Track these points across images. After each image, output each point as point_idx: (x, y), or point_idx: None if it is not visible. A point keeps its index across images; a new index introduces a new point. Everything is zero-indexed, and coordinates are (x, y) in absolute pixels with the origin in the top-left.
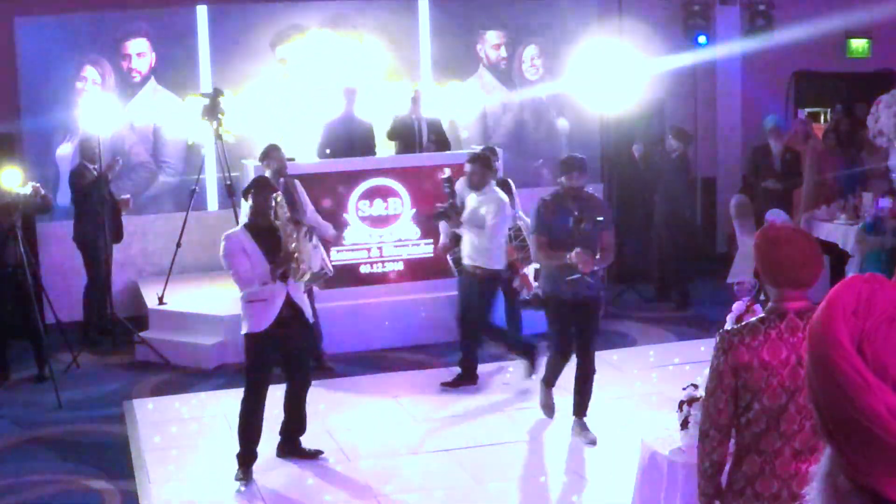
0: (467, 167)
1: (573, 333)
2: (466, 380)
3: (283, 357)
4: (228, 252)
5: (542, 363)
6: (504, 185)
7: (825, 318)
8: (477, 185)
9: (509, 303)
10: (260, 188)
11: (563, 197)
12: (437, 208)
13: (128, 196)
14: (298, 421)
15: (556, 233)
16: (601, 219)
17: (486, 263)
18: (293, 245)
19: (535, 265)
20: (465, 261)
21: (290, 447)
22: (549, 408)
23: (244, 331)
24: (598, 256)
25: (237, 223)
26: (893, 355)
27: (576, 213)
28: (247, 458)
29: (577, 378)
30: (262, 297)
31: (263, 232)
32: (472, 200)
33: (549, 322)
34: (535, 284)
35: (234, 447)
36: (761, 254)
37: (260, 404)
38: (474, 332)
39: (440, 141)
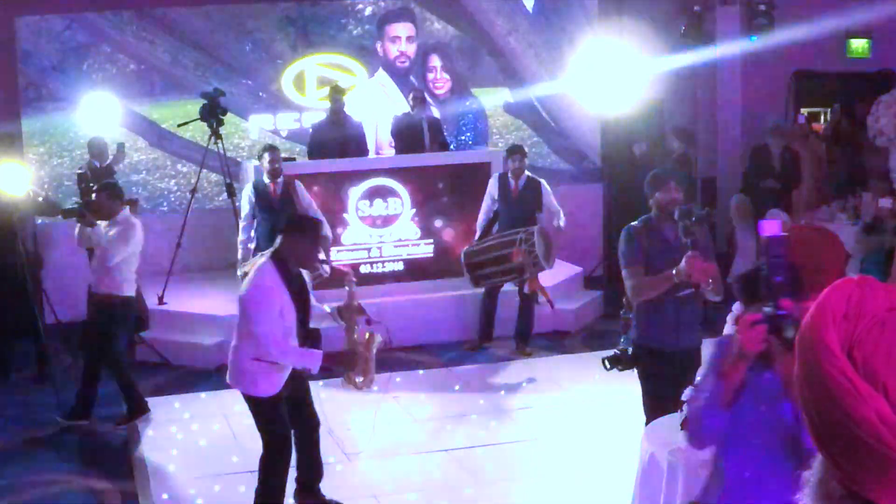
0: (94, 196)
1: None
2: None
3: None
4: (261, 299)
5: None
6: (534, 184)
7: (815, 323)
8: (104, 215)
9: (521, 303)
10: (312, 228)
11: (658, 219)
12: (72, 205)
13: (136, 197)
14: (317, 466)
15: (655, 261)
16: (706, 212)
17: (99, 286)
18: (361, 347)
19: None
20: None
21: (310, 495)
22: None
23: (255, 393)
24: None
25: (237, 223)
26: (884, 360)
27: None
28: None
29: None
30: (274, 361)
31: (293, 279)
32: (102, 225)
33: (644, 383)
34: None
35: (233, 447)
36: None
37: (290, 463)
38: (101, 359)
39: (441, 142)
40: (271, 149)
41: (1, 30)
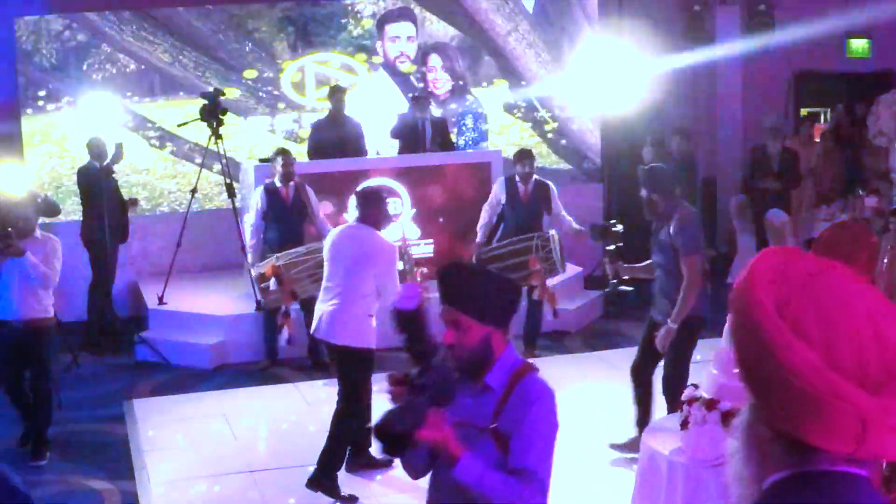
0: (21, 213)
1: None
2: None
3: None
4: (394, 254)
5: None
6: (543, 187)
7: (748, 285)
8: (28, 230)
9: (530, 306)
10: (384, 191)
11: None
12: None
13: (136, 197)
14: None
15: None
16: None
17: (32, 311)
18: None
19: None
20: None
21: (363, 458)
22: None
23: (368, 345)
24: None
25: (237, 223)
26: (812, 319)
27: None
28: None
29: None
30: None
31: None
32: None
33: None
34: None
35: (233, 447)
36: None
37: None
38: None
39: (445, 142)
40: (284, 152)
41: (1, 30)
